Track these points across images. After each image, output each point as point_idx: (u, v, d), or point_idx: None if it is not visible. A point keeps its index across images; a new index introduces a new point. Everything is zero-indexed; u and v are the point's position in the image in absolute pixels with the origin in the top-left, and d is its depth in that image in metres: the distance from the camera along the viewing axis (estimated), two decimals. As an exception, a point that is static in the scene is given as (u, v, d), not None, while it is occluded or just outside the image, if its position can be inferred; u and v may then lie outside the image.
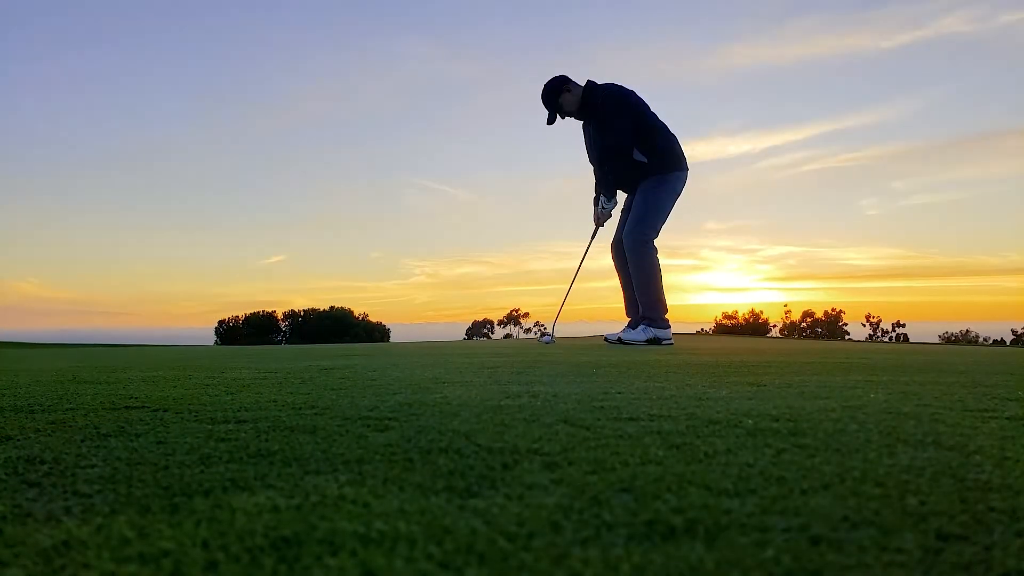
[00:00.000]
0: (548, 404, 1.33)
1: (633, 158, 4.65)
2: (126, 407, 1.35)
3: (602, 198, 4.80)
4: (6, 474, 0.81)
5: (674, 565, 0.51)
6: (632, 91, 4.73)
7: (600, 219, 4.92)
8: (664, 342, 4.58)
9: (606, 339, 4.88)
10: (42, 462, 0.87)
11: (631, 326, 4.80)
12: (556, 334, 5.38)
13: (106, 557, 0.53)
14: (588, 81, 4.73)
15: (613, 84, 4.74)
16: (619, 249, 4.85)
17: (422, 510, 0.65)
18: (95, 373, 2.26)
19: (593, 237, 5.11)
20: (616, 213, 4.96)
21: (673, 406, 1.28)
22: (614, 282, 5.01)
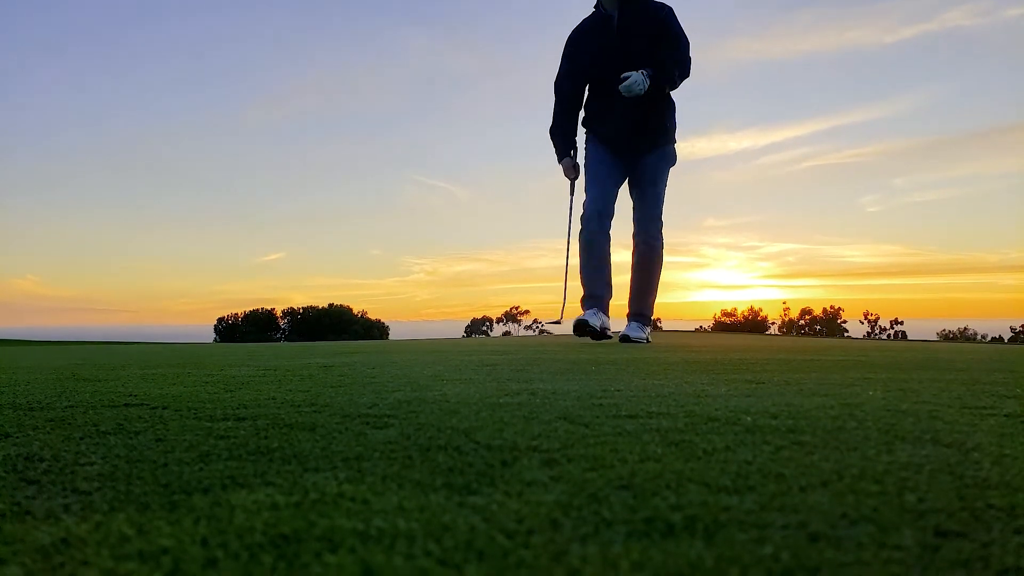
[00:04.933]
0: (547, 401, 1.33)
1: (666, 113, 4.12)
2: (125, 405, 1.35)
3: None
4: (5, 471, 0.81)
5: (673, 562, 0.51)
6: None
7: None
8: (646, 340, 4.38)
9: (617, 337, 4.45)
10: (41, 460, 0.87)
11: (591, 309, 4.24)
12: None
13: (105, 555, 0.53)
14: None
15: None
16: (602, 223, 4.21)
17: (421, 507, 0.65)
18: (94, 371, 2.26)
19: (573, 195, 4.46)
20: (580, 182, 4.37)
21: (672, 403, 1.28)
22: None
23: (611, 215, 4.27)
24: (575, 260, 4.31)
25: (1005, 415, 1.16)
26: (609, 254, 4.30)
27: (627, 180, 4.36)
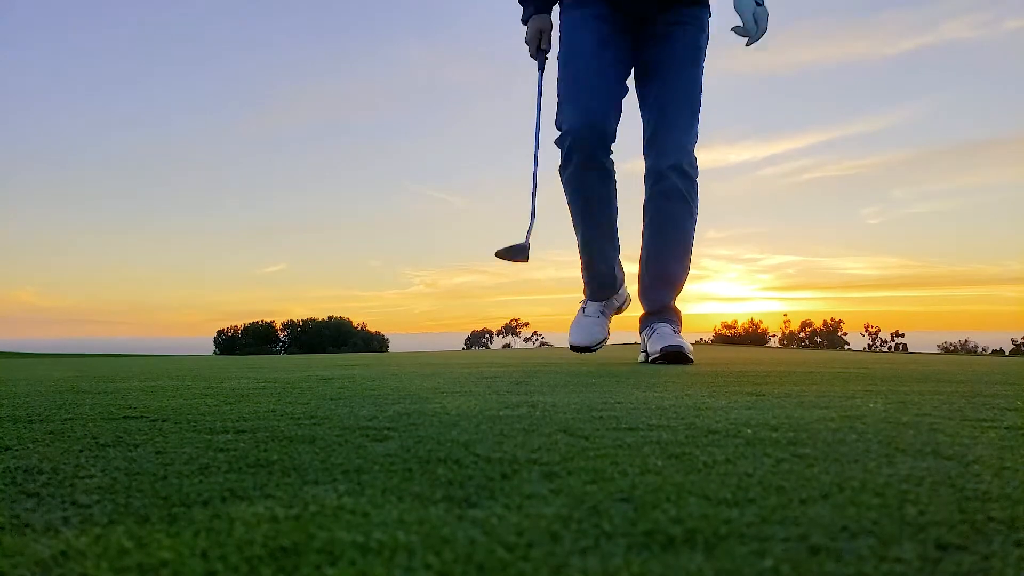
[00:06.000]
0: (547, 414, 1.32)
1: None
2: (125, 417, 1.35)
3: None
4: (4, 484, 0.81)
5: (673, 574, 0.51)
6: None
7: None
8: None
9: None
10: (40, 472, 0.87)
11: (596, 309, 2.92)
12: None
13: (104, 567, 0.53)
14: None
15: None
16: (597, 150, 2.54)
17: (421, 520, 0.64)
18: (93, 383, 2.26)
19: (543, 71, 2.86)
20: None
21: (672, 416, 1.28)
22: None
23: (613, 134, 2.61)
24: (556, 196, 2.78)
25: (1006, 428, 1.15)
26: (615, 200, 2.75)
27: (634, 70, 2.70)
